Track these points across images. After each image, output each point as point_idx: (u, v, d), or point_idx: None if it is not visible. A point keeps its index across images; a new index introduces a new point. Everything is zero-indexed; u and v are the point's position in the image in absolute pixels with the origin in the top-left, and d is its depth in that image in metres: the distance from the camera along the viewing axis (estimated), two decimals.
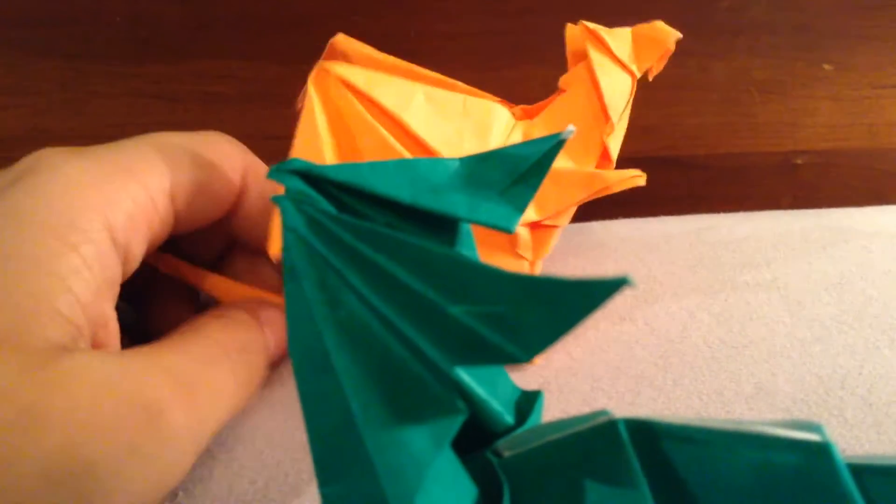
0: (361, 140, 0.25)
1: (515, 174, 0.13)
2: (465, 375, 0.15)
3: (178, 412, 0.16)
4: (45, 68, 0.45)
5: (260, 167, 0.24)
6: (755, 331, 0.30)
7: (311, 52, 0.30)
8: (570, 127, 0.13)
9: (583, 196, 0.28)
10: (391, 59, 0.28)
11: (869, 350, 0.28)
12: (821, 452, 0.12)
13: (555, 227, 0.29)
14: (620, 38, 0.29)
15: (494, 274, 0.12)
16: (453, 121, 0.27)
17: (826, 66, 0.45)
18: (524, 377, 0.29)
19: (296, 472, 0.25)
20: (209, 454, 0.26)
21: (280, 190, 0.14)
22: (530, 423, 0.17)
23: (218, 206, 0.22)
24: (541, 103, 0.31)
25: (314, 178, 0.13)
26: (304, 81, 0.30)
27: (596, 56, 0.29)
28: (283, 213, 0.13)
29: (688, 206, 0.42)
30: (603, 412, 0.14)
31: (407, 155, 0.25)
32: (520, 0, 0.43)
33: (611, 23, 0.31)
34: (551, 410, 0.27)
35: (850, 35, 0.44)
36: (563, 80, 0.30)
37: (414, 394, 0.13)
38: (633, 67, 0.29)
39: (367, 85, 0.26)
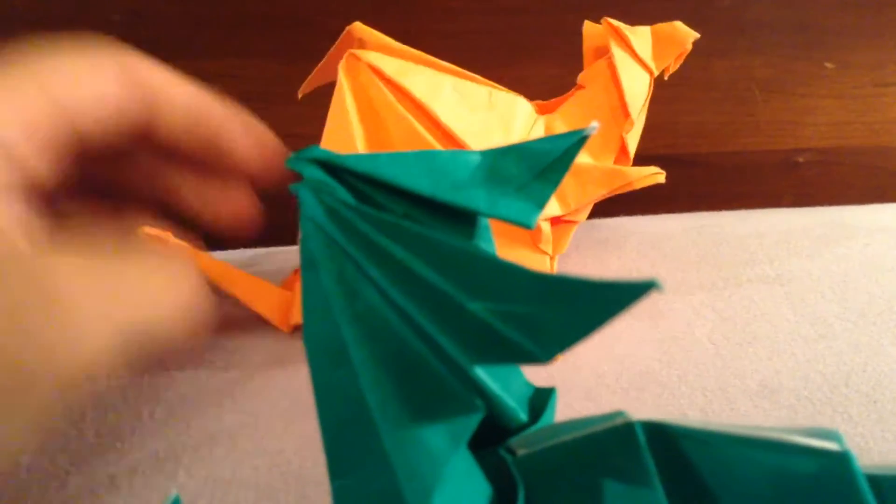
0: (392, 128, 0.25)
1: (537, 169, 0.13)
2: (480, 371, 0.15)
3: (81, 298, 0.16)
4: None
5: (156, 74, 0.22)
6: (759, 328, 0.30)
7: (311, 51, 0.30)
8: (594, 123, 0.13)
9: (603, 192, 0.29)
10: (407, 48, 0.28)
11: (873, 347, 0.28)
12: (839, 461, 0.12)
13: (574, 222, 0.29)
14: (642, 36, 0.29)
15: (516, 271, 0.12)
16: (480, 113, 0.27)
17: (827, 65, 0.45)
18: (526, 371, 0.29)
19: (298, 459, 0.25)
20: (211, 438, 0.26)
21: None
22: (544, 420, 0.16)
23: (103, 113, 0.20)
24: (558, 99, 0.31)
25: (333, 167, 0.13)
26: (303, 80, 0.30)
27: (618, 53, 0.29)
28: (302, 202, 0.13)
29: (689, 203, 0.42)
30: (619, 413, 0.14)
31: (436, 144, 0.25)
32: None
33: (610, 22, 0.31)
34: None
35: (851, 34, 0.44)
36: (582, 77, 0.31)
37: (432, 390, 0.13)
38: (652, 66, 0.29)
39: (397, 73, 0.26)
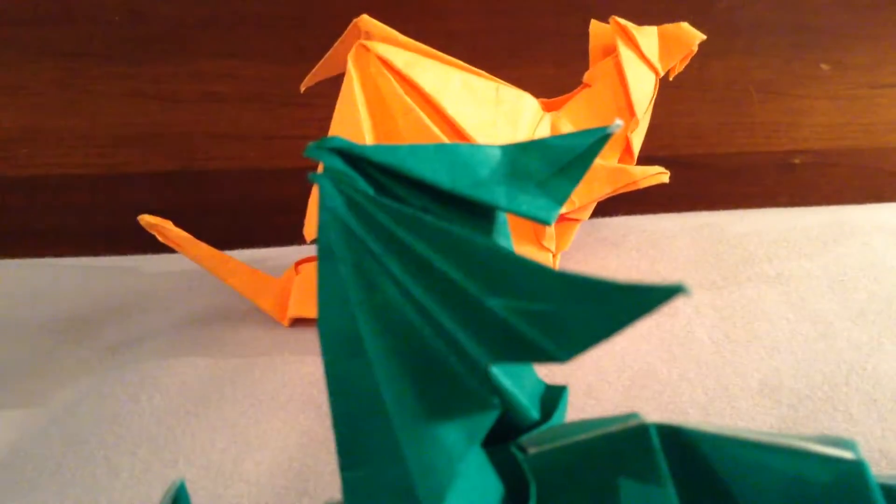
0: (399, 120, 0.25)
1: (557, 166, 0.13)
2: (495, 368, 0.15)
3: None
4: (43, 68, 0.43)
5: None
6: (759, 326, 0.30)
7: (311, 51, 0.30)
8: (618, 121, 0.13)
9: (608, 190, 0.29)
10: (413, 42, 0.28)
11: (873, 346, 0.28)
12: (854, 470, 0.12)
13: (577, 220, 0.30)
14: (649, 36, 0.30)
15: (539, 269, 0.11)
16: (487, 108, 0.27)
17: (823, 66, 0.45)
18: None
19: (301, 456, 0.25)
20: (211, 428, 0.26)
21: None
22: (555, 419, 0.16)
23: None
24: (564, 96, 0.31)
25: (353, 157, 0.13)
26: (302, 81, 0.30)
27: (625, 52, 0.29)
28: (322, 192, 0.12)
29: (686, 204, 0.42)
30: (633, 415, 0.14)
31: (443, 138, 0.25)
32: None
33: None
34: None
35: (847, 35, 0.45)
36: (588, 75, 0.31)
37: (448, 386, 0.13)
38: (658, 66, 0.30)
39: (407, 66, 0.26)
